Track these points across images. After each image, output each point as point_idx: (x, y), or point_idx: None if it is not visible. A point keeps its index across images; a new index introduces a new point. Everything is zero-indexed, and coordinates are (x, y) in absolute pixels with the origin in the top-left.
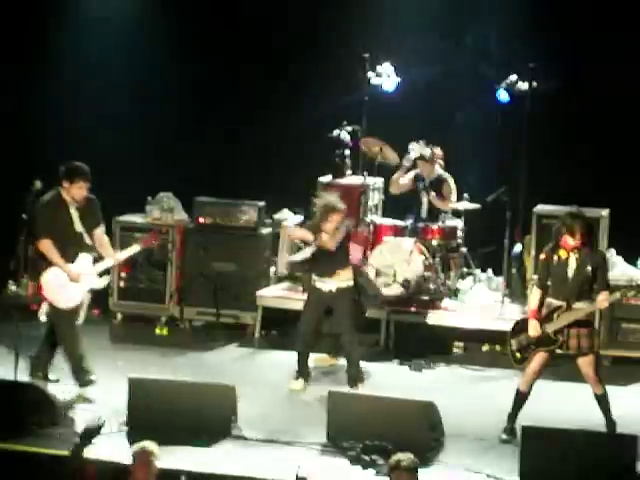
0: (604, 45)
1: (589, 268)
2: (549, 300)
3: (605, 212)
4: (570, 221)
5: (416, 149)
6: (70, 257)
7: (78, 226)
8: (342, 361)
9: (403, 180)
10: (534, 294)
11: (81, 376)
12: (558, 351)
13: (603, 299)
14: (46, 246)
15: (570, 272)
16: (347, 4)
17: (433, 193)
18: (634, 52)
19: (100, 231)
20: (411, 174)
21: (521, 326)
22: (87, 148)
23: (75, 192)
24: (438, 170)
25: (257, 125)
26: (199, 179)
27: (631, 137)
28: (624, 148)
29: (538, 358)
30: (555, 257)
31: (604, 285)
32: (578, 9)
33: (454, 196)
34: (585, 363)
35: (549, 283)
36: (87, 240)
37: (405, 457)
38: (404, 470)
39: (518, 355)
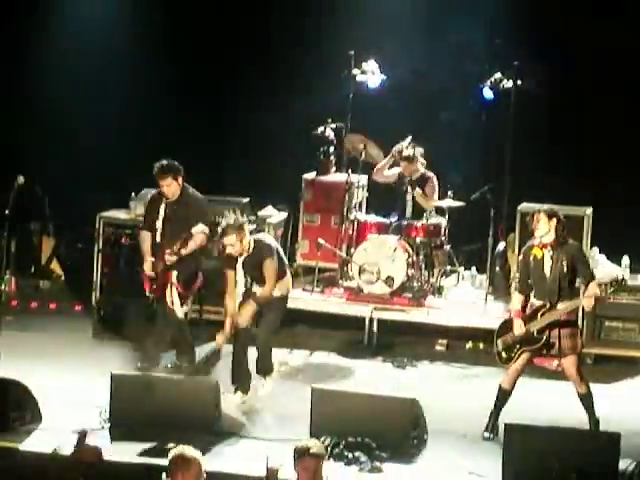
0: (588, 42)
1: (565, 263)
2: (532, 300)
3: (589, 210)
4: (535, 215)
5: (400, 147)
6: (153, 250)
7: (159, 222)
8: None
9: (387, 172)
10: (516, 296)
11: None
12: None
13: (587, 295)
14: (139, 236)
15: (547, 270)
16: (332, 1)
17: (419, 190)
18: (617, 49)
19: (195, 229)
20: (396, 169)
21: (506, 326)
22: (71, 144)
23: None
24: (421, 169)
25: (241, 122)
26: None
27: (615, 135)
28: (608, 146)
29: (522, 357)
30: (531, 258)
31: (589, 277)
32: (561, 7)
33: (436, 195)
34: (568, 363)
35: (530, 282)
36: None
37: (313, 444)
38: (313, 457)
39: (504, 355)
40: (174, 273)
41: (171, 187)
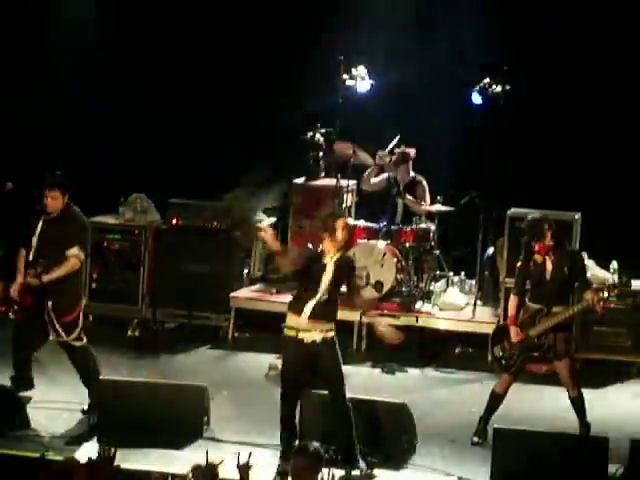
0: (577, 48)
1: (566, 268)
2: (528, 304)
3: (577, 215)
4: (535, 227)
5: (382, 154)
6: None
7: (34, 239)
8: None
9: (374, 180)
10: (511, 300)
11: None
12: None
13: (593, 297)
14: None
15: (547, 275)
16: (321, 6)
17: (409, 197)
18: (606, 54)
19: (69, 252)
20: (384, 175)
21: (502, 332)
22: (60, 149)
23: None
24: (411, 173)
25: (231, 127)
26: (172, 180)
27: (603, 140)
28: (597, 151)
29: (521, 363)
30: (531, 263)
31: (586, 283)
32: (552, 12)
33: (428, 197)
34: (561, 367)
35: (528, 287)
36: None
37: (312, 447)
38: (302, 458)
39: (504, 362)
40: (49, 303)
41: (56, 201)
